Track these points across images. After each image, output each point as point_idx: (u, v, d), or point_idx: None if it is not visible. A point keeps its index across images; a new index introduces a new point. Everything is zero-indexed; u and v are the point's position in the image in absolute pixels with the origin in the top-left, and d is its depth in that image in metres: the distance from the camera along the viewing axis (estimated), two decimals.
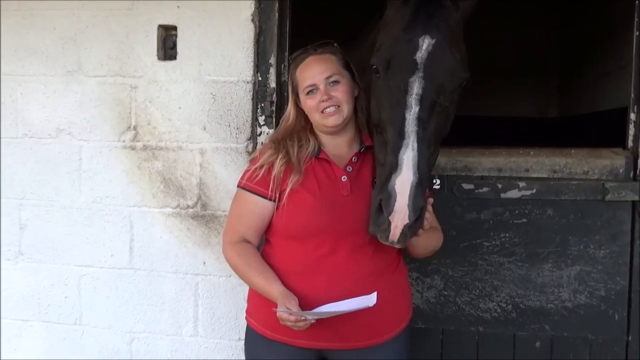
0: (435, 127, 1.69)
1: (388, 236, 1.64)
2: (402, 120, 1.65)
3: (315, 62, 1.86)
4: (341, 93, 1.83)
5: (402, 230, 1.62)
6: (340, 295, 1.72)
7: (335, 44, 1.92)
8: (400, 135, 1.64)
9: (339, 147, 1.90)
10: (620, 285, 2.29)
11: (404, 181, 1.60)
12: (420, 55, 1.68)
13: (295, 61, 1.91)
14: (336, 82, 1.83)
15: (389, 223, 1.62)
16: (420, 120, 1.64)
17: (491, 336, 2.36)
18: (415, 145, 1.62)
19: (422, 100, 1.65)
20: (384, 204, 1.62)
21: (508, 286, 2.35)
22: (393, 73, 1.71)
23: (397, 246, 1.69)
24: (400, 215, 1.60)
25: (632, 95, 2.32)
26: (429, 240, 1.88)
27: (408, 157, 1.61)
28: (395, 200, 1.60)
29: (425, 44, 1.68)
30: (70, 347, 2.58)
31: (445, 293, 2.38)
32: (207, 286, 2.46)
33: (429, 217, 1.72)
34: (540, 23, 5.50)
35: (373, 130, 1.83)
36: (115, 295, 2.53)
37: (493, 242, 2.34)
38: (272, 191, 1.83)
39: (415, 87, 1.66)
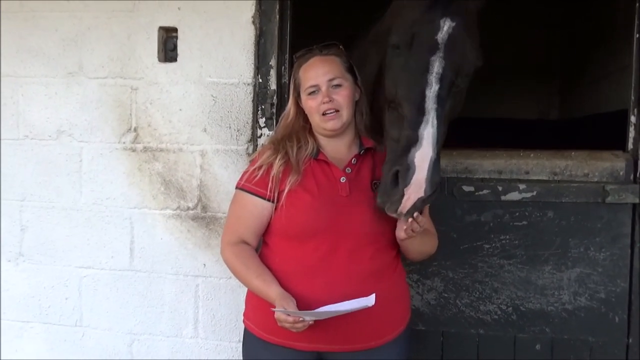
0: (450, 107, 1.73)
1: (397, 208, 1.66)
2: (423, 97, 1.69)
3: (319, 63, 1.86)
4: (342, 97, 1.84)
5: (415, 203, 1.64)
6: (340, 297, 1.72)
7: (340, 46, 1.92)
8: (420, 112, 1.67)
9: (338, 149, 1.91)
10: (621, 288, 2.29)
11: (423, 155, 1.63)
12: (441, 36, 1.73)
13: (300, 60, 1.91)
14: (338, 85, 1.84)
15: (402, 195, 1.64)
16: (440, 98, 1.69)
17: (491, 338, 2.36)
18: (435, 122, 1.66)
19: (442, 79, 1.70)
20: (401, 176, 1.64)
21: (508, 288, 2.34)
22: (415, 51, 1.75)
23: (403, 218, 1.70)
24: (416, 188, 1.63)
25: (632, 97, 2.32)
26: (423, 245, 1.90)
27: (428, 133, 1.65)
28: (413, 173, 1.62)
29: (446, 25, 1.73)
30: (71, 349, 2.59)
31: (446, 295, 2.38)
32: (208, 288, 2.46)
33: (424, 220, 1.74)
34: (541, 23, 5.49)
35: (385, 106, 1.85)
36: (115, 297, 2.53)
37: (493, 245, 2.34)
38: (270, 191, 1.83)
39: (436, 66, 1.71)
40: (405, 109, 1.71)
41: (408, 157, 1.63)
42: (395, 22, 1.87)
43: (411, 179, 1.63)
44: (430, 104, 1.67)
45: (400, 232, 1.78)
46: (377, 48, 2.24)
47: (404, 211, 1.67)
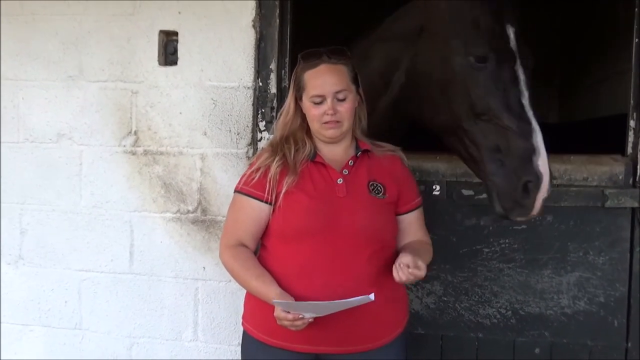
0: None
1: (529, 212, 1.78)
2: (522, 106, 1.81)
3: (328, 72, 1.84)
4: (346, 110, 1.84)
5: (542, 204, 1.78)
6: (338, 298, 1.71)
7: (348, 53, 1.91)
8: (526, 121, 1.79)
9: (335, 151, 1.92)
10: (620, 292, 2.29)
11: (544, 162, 1.75)
12: (512, 44, 1.85)
13: (306, 63, 1.88)
14: (343, 98, 1.84)
15: (534, 200, 1.76)
16: (532, 105, 1.80)
17: (490, 342, 2.36)
18: (538, 127, 1.78)
19: (527, 85, 1.83)
20: (533, 186, 1.75)
21: (507, 292, 2.34)
22: (501, 64, 1.84)
23: (532, 216, 1.82)
24: (544, 192, 1.76)
25: (632, 102, 2.32)
26: (428, 258, 1.90)
27: (540, 140, 1.76)
28: (542, 181, 1.75)
29: (512, 32, 1.86)
30: (70, 352, 2.59)
31: (445, 299, 2.38)
32: (207, 291, 2.46)
33: (424, 267, 1.74)
34: (542, 26, 5.49)
35: (471, 119, 1.89)
36: (115, 300, 2.53)
37: (493, 248, 2.34)
38: (268, 194, 1.83)
39: (521, 73, 1.83)
40: (509, 122, 1.80)
41: (533, 166, 1.74)
42: (463, 33, 1.91)
43: (541, 186, 1.74)
44: (529, 112, 1.79)
45: (402, 276, 1.71)
46: (386, 45, 2.30)
47: (536, 212, 1.79)
